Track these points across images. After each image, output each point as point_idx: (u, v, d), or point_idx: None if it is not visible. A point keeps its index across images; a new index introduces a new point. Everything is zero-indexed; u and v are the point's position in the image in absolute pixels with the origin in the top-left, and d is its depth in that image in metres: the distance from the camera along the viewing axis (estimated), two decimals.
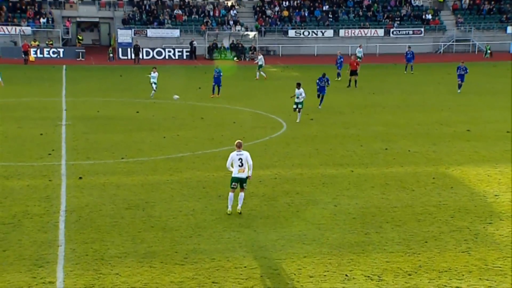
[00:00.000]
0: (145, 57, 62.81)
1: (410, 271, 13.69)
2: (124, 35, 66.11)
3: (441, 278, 13.31)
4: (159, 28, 68.90)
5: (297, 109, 30.66)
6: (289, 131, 28.57)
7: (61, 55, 62.83)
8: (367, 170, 22.15)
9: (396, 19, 73.78)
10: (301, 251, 14.74)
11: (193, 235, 15.75)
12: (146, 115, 32.60)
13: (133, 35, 66.15)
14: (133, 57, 61.66)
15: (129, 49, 63.50)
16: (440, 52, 70.98)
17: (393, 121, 31.29)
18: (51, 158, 23.32)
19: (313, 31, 71.22)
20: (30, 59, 59.40)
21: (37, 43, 63.51)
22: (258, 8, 73.62)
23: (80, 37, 69.06)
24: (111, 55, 62.28)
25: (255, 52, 61.30)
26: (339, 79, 46.84)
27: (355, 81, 43.45)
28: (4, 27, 65.64)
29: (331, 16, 73.67)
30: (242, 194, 17.34)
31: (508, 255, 14.47)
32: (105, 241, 15.22)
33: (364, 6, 75.29)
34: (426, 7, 75.73)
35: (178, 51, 64.85)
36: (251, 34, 67.86)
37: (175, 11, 71.68)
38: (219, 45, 66.12)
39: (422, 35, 72.19)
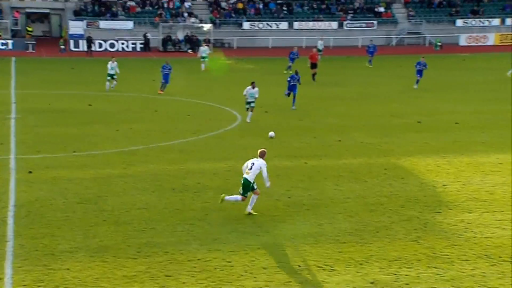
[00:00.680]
0: (97, 49, 61.87)
1: (361, 260, 13.90)
2: (76, 27, 65.03)
3: (391, 267, 13.56)
4: (112, 19, 67.94)
5: (249, 109, 28.77)
6: (243, 124, 28.60)
7: (10, 47, 61.51)
8: (321, 161, 22.36)
9: (350, 12, 74.45)
10: (254, 243, 14.81)
11: (146, 228, 15.66)
12: (98, 107, 32.19)
13: (85, 27, 65.13)
14: (85, 49, 60.71)
15: (81, 41, 62.52)
16: (392, 44, 71.93)
17: (346, 113, 31.61)
18: None
19: (267, 24, 71.32)
20: None
21: None
22: (213, 0, 73.33)
23: (30, 29, 67.64)
24: (62, 47, 61.17)
25: (209, 45, 61.03)
26: (289, 71, 46.61)
27: (314, 74, 43.44)
28: None
29: (285, 8, 73.89)
30: (253, 196, 16.68)
31: (455, 243, 14.82)
32: (56, 236, 15.02)
33: None
34: (378, 0, 76.59)
35: (132, 43, 64.14)
36: (206, 26, 67.55)
37: (128, 3, 70.80)
38: (173, 38, 65.64)
39: (375, 28, 73.00)
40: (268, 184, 16.64)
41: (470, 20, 74.57)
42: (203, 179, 19.88)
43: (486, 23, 74.22)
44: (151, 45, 64.21)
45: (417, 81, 39.97)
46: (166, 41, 65.32)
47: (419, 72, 39.99)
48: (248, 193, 16.53)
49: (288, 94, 32.48)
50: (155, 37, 65.16)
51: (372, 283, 12.82)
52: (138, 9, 70.44)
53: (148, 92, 37.68)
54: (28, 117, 29.33)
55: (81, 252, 14.11)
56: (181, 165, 21.55)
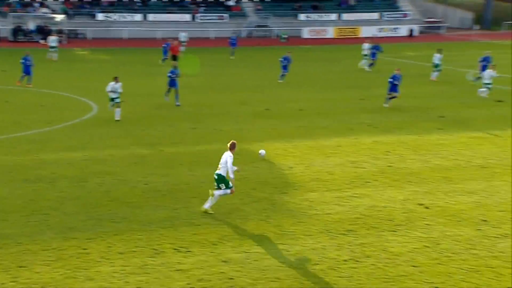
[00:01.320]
0: None
1: (215, 241, 14.10)
2: None
3: (242, 246, 13.88)
4: None
5: (114, 105, 26.17)
6: (100, 114, 27.85)
7: None
8: (177, 149, 22.34)
9: (202, 5, 74.69)
10: (111, 230, 14.54)
11: None
12: None
13: None
14: None
15: None
16: (243, 37, 73.15)
17: (201, 102, 31.72)
18: None
19: (122, 15, 69.82)
20: None
21: None
22: None
23: None
24: None
25: (61, 35, 58.51)
26: (163, 63, 45.94)
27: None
28: None
29: (139, 0, 72.67)
30: (216, 193, 15.79)
31: (300, 221, 15.44)
32: None
33: None
34: None
35: None
36: (58, 17, 64.74)
37: None
38: (24, 28, 62.28)
39: (226, 21, 73.83)
40: (232, 176, 15.69)
41: (311, 14, 77.68)
42: (58, 169, 19.16)
43: (326, 18, 77.69)
44: (1, 35, 60.55)
45: (282, 76, 39.06)
46: (17, 31, 61.87)
47: (284, 67, 38.83)
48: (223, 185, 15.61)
49: (169, 91, 30.14)
50: (5, 27, 61.58)
51: (225, 261, 13.06)
52: None
53: None
54: None
55: None
56: (35, 156, 20.62)
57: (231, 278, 12.30)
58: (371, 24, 77.34)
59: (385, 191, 17.64)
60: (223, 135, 24.52)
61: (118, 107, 26.32)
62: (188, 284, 12.07)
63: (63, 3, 68.93)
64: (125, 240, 14.01)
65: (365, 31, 76.03)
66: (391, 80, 29.94)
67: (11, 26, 61.86)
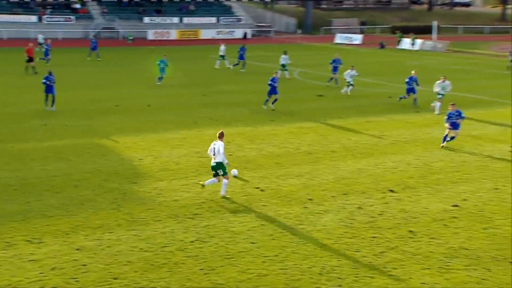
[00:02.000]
0: None
1: (68, 230, 13.53)
2: None
3: (95, 234, 13.45)
4: None
5: None
6: None
7: None
8: (28, 145, 21.08)
9: (48, 7, 70.80)
10: None
11: None
12: None
13: None
14: None
15: None
16: (91, 38, 70.44)
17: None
18: None
19: None
20: None
21: None
22: None
23: None
24: None
25: None
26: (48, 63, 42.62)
27: (33, 67, 39.94)
28: None
29: None
30: (224, 181, 15.94)
31: (150, 208, 15.27)
32: None
33: None
34: None
35: None
36: None
37: None
38: None
39: (73, 22, 70.68)
40: (226, 161, 16.51)
41: (155, 18, 76.82)
42: None
43: (168, 21, 77.25)
44: None
45: (160, 78, 36.55)
46: None
47: (162, 70, 36.32)
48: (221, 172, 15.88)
49: (47, 97, 27.11)
50: None
51: (78, 249, 12.58)
52: None
53: None
54: None
55: None
56: None
57: (84, 265, 11.88)
58: (210, 27, 78.17)
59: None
60: (74, 130, 23.58)
61: None
62: (41, 273, 11.48)
63: None
64: None
65: (205, 34, 76.76)
66: (271, 83, 28.54)
67: None
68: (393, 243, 13.12)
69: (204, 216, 14.70)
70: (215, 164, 16.00)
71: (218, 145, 16.00)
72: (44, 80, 27.27)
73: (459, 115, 21.61)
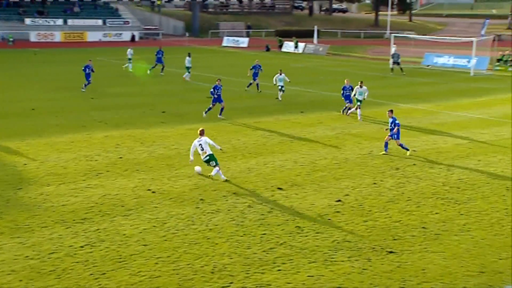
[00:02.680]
0: None
1: None
2: None
3: None
4: None
5: None
6: None
7: None
8: None
9: None
10: None
11: None
12: None
13: None
14: None
15: None
16: None
17: None
18: None
19: None
20: None
21: None
22: None
23: None
24: None
25: None
26: None
27: None
28: None
29: None
30: (216, 168, 17.50)
31: (36, 214, 14.50)
32: None
33: None
34: None
35: None
36: None
37: None
38: None
39: None
40: (219, 147, 18.29)
41: (37, 19, 73.33)
42: None
43: (52, 23, 74.01)
44: None
45: (86, 85, 34.14)
46: None
47: (86, 77, 33.96)
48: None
49: None
50: None
51: None
52: None
53: None
54: None
55: None
56: None
57: None
58: (96, 29, 75.86)
59: (117, 180, 17.48)
60: None
61: None
62: None
63: None
64: None
65: (91, 36, 74.36)
66: (212, 91, 26.63)
67: None
68: (282, 239, 13.40)
69: (94, 220, 14.19)
70: (207, 157, 17.54)
71: (204, 140, 17.55)
72: None
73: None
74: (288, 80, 32.35)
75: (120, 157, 20.03)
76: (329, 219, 14.64)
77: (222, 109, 27.12)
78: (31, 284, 10.96)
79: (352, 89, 27.93)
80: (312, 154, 21.04)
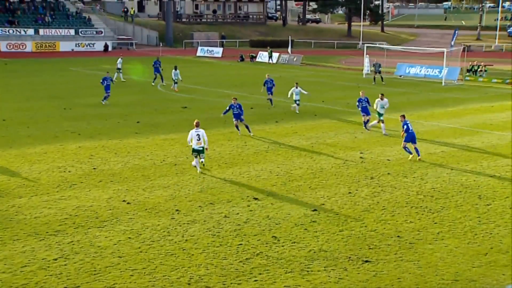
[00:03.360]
0: None
1: None
2: None
3: None
4: None
5: None
6: None
7: None
8: None
9: None
10: None
11: None
12: None
13: None
14: None
15: None
16: None
17: None
18: None
19: None
20: None
21: None
22: None
23: None
24: None
25: None
26: None
27: None
28: None
29: None
30: (201, 160, 19.55)
31: (7, 227, 14.22)
32: None
33: None
34: None
35: None
36: None
37: None
38: None
39: None
40: (207, 145, 19.41)
41: (7, 29, 72.45)
42: None
43: (23, 33, 73.18)
44: None
45: (106, 97, 33.25)
46: None
47: (107, 87, 33.15)
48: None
49: None
50: None
51: None
52: None
53: None
54: None
55: None
56: None
57: None
58: (68, 39, 75.19)
59: (91, 191, 17.29)
60: None
61: None
62: None
63: None
64: None
65: (64, 46, 73.72)
66: (232, 109, 25.19)
67: None
68: (258, 249, 13.39)
69: (68, 232, 14.00)
70: (201, 148, 19.11)
71: (202, 132, 18.98)
72: None
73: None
74: (306, 93, 31.43)
75: (94, 168, 19.83)
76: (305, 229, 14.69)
77: (247, 127, 25.65)
78: None
79: (368, 101, 27.04)
80: (287, 164, 21.12)
